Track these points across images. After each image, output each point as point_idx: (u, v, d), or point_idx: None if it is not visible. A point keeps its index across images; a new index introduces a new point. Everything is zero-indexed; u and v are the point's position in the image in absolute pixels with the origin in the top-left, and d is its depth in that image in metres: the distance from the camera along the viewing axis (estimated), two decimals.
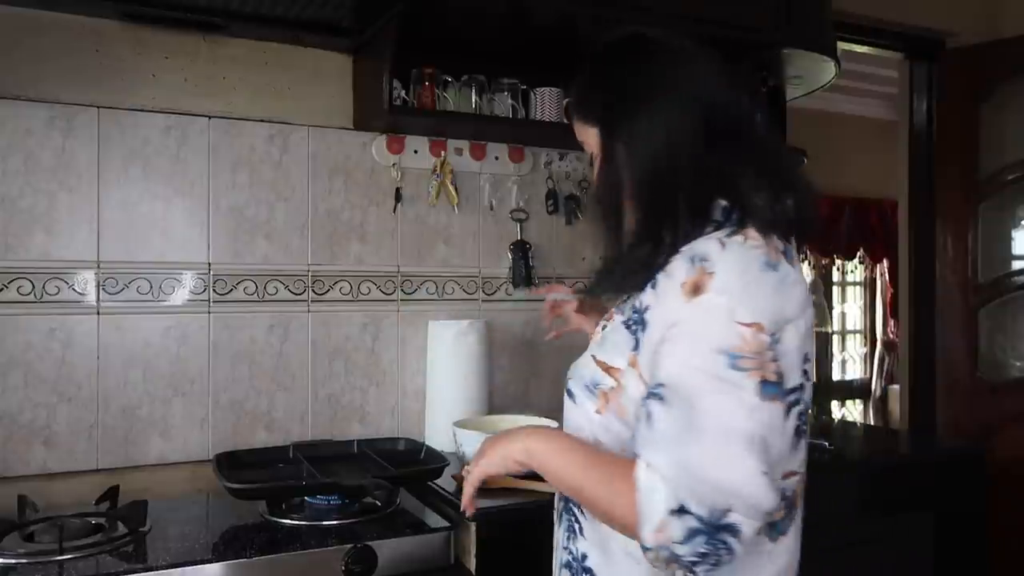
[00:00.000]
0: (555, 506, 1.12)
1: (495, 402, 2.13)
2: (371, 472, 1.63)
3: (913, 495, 2.03)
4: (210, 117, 1.88)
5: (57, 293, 1.73)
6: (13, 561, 1.31)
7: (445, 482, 1.67)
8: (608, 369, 0.98)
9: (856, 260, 5.63)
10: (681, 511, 0.81)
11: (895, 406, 5.21)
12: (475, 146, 2.17)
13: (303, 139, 1.97)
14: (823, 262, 5.43)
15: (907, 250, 3.06)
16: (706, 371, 0.84)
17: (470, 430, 1.77)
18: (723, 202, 0.95)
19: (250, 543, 1.41)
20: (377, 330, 2.06)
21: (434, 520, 1.56)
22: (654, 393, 0.87)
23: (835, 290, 5.79)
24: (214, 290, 1.87)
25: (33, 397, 1.71)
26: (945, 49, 2.98)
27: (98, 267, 1.77)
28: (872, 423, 5.54)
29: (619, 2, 1.86)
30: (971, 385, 2.90)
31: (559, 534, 1.09)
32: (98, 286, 1.76)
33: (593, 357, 1.02)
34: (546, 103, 2.09)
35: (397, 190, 2.06)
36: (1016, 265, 2.93)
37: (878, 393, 5.71)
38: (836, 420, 4.68)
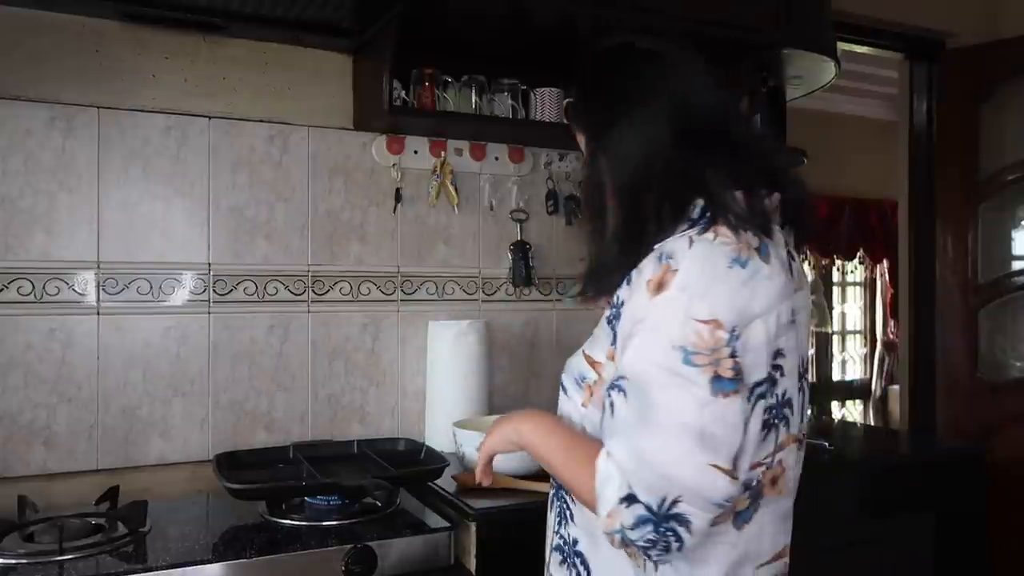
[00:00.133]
0: (549, 492, 1.17)
1: (495, 402, 2.13)
2: (371, 472, 1.63)
3: (913, 495, 2.03)
4: (210, 117, 1.88)
5: (57, 293, 1.73)
6: (13, 561, 1.31)
7: (445, 482, 1.67)
8: (592, 363, 1.04)
9: (856, 260, 5.63)
10: (631, 499, 0.86)
11: (895, 406, 5.21)
12: (475, 146, 2.17)
13: (303, 139, 1.97)
14: (823, 262, 5.43)
15: (907, 250, 3.06)
16: (662, 366, 0.89)
17: (470, 430, 1.77)
18: (700, 201, 0.97)
19: (250, 543, 1.41)
20: (377, 330, 2.06)
21: (434, 520, 1.56)
22: (616, 385, 0.93)
23: (835, 290, 5.79)
24: (214, 290, 1.87)
25: (33, 397, 1.71)
26: (945, 50, 2.98)
27: (98, 267, 1.77)
28: (872, 423, 5.54)
29: (619, 2, 1.86)
30: (971, 385, 2.90)
31: (551, 518, 1.14)
32: (98, 286, 1.76)
33: (583, 351, 1.08)
34: (546, 103, 2.09)
35: (397, 190, 2.06)
36: (1016, 265, 2.93)
37: (878, 393, 5.71)
38: (836, 420, 4.68)
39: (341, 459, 1.79)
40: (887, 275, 5.61)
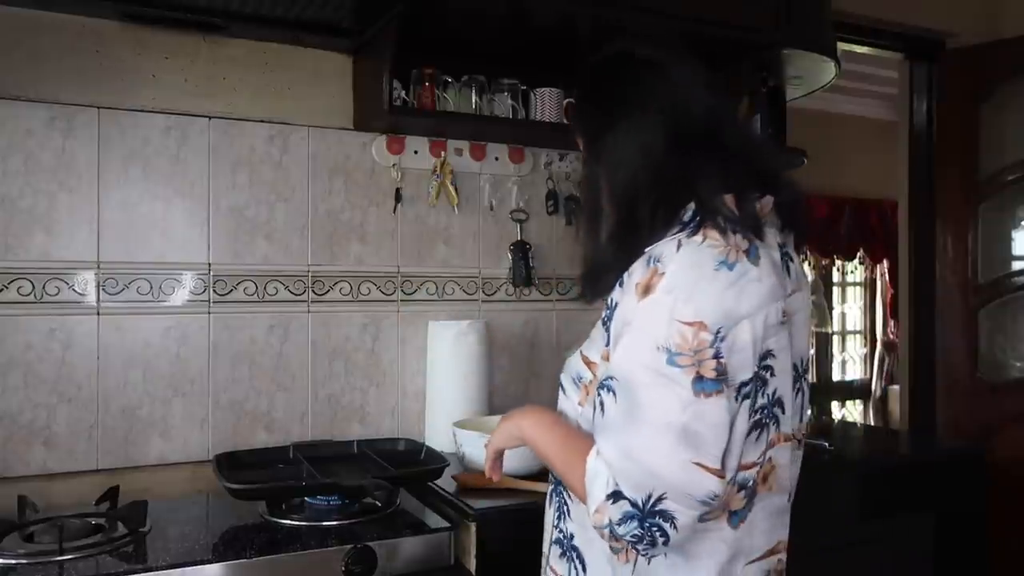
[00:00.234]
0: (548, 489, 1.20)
1: (495, 402, 2.13)
2: (371, 472, 1.63)
3: (913, 495, 2.03)
4: (210, 117, 1.88)
5: (57, 293, 1.73)
6: (13, 561, 1.31)
7: (445, 482, 1.67)
8: (588, 363, 1.08)
9: (856, 260, 5.62)
10: (617, 496, 0.90)
11: (895, 406, 5.21)
12: (475, 146, 2.17)
13: (303, 139, 1.97)
14: (823, 262, 5.43)
15: (907, 250, 3.06)
16: (648, 366, 0.92)
17: (470, 430, 1.77)
18: (692, 205, 1.00)
19: (250, 543, 1.41)
20: (377, 330, 2.06)
21: (434, 520, 1.56)
22: (605, 384, 0.96)
23: (835, 290, 5.78)
24: (214, 290, 1.87)
25: (33, 397, 1.71)
26: (945, 50, 2.98)
27: (98, 267, 1.77)
28: (872, 423, 5.54)
29: (619, 2, 1.86)
30: (971, 385, 2.90)
31: (550, 513, 1.17)
32: (98, 286, 1.76)
33: (580, 352, 1.12)
34: (546, 103, 2.09)
35: (397, 190, 2.06)
36: (1016, 265, 2.93)
37: (878, 393, 5.71)
38: (836, 420, 4.68)
39: (341, 459, 1.79)
40: (887, 275, 5.61)
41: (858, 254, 5.47)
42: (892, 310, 5.51)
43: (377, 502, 1.60)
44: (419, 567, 1.47)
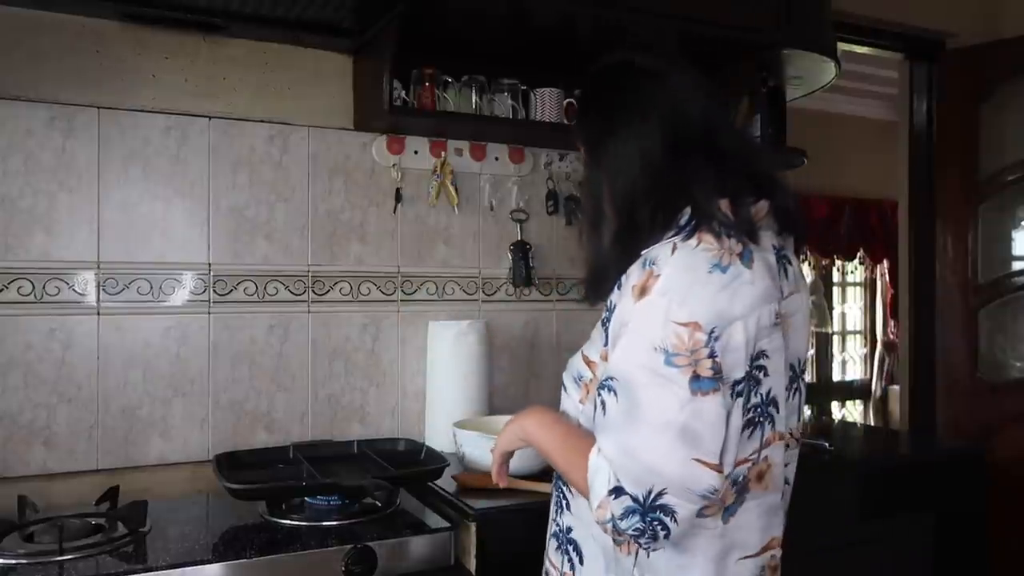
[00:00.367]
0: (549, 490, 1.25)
1: (495, 403, 2.13)
2: (371, 473, 1.63)
3: (913, 495, 2.03)
4: (210, 117, 1.88)
5: (57, 294, 1.73)
6: (13, 561, 1.31)
7: (445, 482, 1.67)
8: (588, 363, 1.11)
9: (856, 261, 5.62)
10: (619, 491, 0.93)
11: (895, 407, 5.21)
12: (475, 147, 2.17)
13: (303, 139, 1.97)
14: (823, 263, 5.43)
15: (907, 251, 3.06)
16: (645, 366, 0.95)
17: (470, 430, 1.77)
18: (688, 209, 1.03)
19: (250, 543, 1.41)
20: (377, 330, 2.06)
21: (434, 521, 1.56)
22: (606, 384, 0.99)
23: (835, 291, 5.78)
24: (214, 290, 1.87)
25: (33, 397, 1.71)
26: (945, 50, 2.98)
27: (98, 267, 1.77)
28: (872, 424, 5.54)
29: (619, 2, 1.86)
30: (971, 385, 2.90)
31: (551, 506, 1.21)
32: (98, 286, 1.76)
33: (581, 352, 1.15)
34: (546, 103, 2.09)
35: (397, 190, 2.06)
36: (1016, 266, 2.93)
37: (878, 394, 5.71)
38: (836, 420, 4.68)
39: (341, 459, 1.79)
40: (887, 275, 5.61)
41: (858, 254, 5.47)
42: (892, 310, 5.51)
43: (377, 502, 1.60)
44: (419, 567, 1.47)
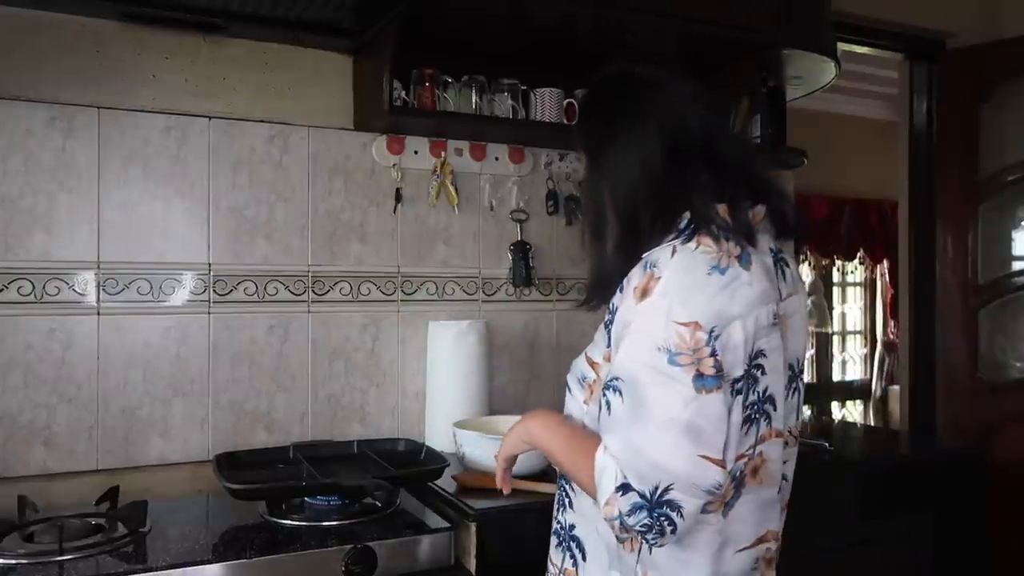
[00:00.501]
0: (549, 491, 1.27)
1: (495, 403, 2.13)
2: (371, 473, 1.63)
3: (913, 495, 2.03)
4: (210, 117, 1.88)
5: (57, 294, 1.73)
6: (13, 561, 1.31)
7: (445, 482, 1.67)
8: (592, 364, 1.13)
9: (856, 261, 5.63)
10: (626, 488, 0.95)
11: (895, 407, 5.21)
12: (475, 147, 2.17)
13: (303, 139, 1.97)
14: (823, 263, 5.43)
15: (907, 251, 3.06)
16: (649, 366, 0.97)
17: (470, 431, 1.77)
18: (687, 214, 1.06)
19: (250, 544, 1.41)
20: (377, 331, 2.06)
21: (434, 521, 1.56)
22: (611, 384, 1.01)
23: (835, 291, 5.78)
24: (214, 290, 1.87)
25: (33, 397, 1.71)
26: (945, 50, 2.98)
27: (98, 268, 1.77)
28: (872, 424, 5.54)
29: (619, 3, 1.86)
30: (971, 385, 2.90)
31: (554, 505, 1.23)
32: (98, 287, 1.76)
33: (585, 354, 1.16)
34: (546, 104, 2.09)
35: (397, 190, 2.06)
36: (1016, 266, 2.93)
37: (878, 394, 5.71)
38: (836, 420, 4.68)
39: (341, 459, 1.79)
40: (887, 275, 5.61)
41: (858, 254, 5.47)
42: (892, 310, 5.51)
43: (377, 502, 1.60)
44: (419, 567, 1.47)
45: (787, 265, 1.12)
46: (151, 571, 1.30)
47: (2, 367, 1.68)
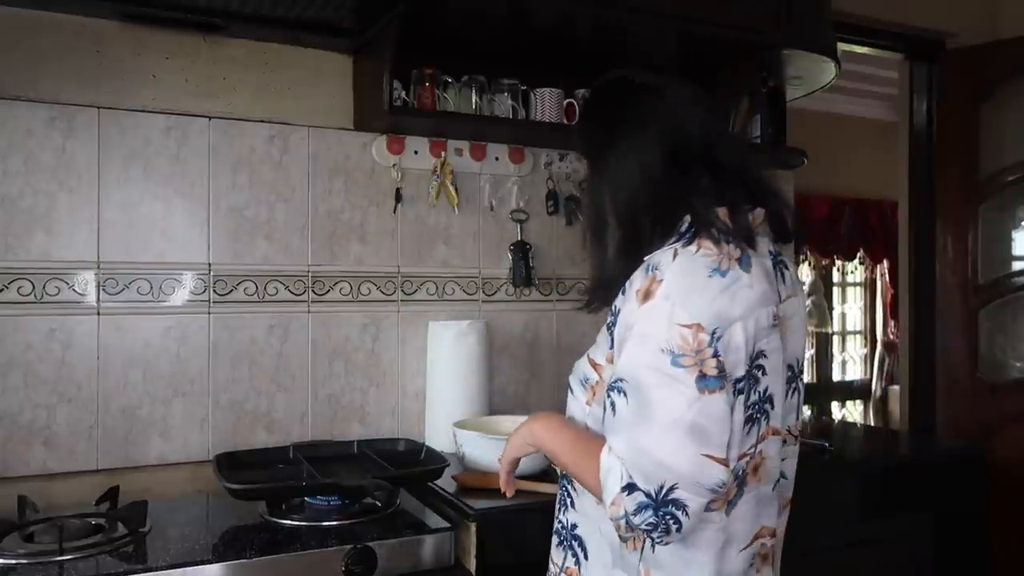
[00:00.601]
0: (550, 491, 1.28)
1: (495, 402, 2.13)
2: (371, 473, 1.63)
3: (913, 495, 2.03)
4: (210, 117, 1.88)
5: (57, 294, 1.73)
6: (13, 561, 1.31)
7: (445, 482, 1.67)
8: (594, 365, 1.14)
9: (856, 261, 5.63)
10: (632, 488, 0.96)
11: (895, 407, 5.21)
12: (475, 147, 2.17)
13: (303, 139, 1.97)
14: (823, 263, 5.43)
15: (907, 251, 3.06)
16: (652, 367, 0.98)
17: (470, 431, 1.77)
18: (688, 218, 1.07)
19: (250, 544, 1.41)
20: (377, 331, 2.06)
21: (434, 521, 1.56)
22: (615, 386, 1.02)
23: (835, 291, 5.78)
24: (214, 290, 1.87)
25: (33, 398, 1.71)
26: (945, 50, 2.98)
27: (98, 268, 1.77)
28: (872, 424, 5.54)
29: (619, 3, 1.86)
30: (971, 385, 2.90)
31: (556, 505, 1.24)
32: (98, 287, 1.76)
33: (587, 355, 1.17)
34: (546, 104, 2.09)
35: (397, 191, 2.06)
36: (1016, 266, 2.93)
37: (878, 394, 5.71)
38: (836, 420, 4.68)
39: (341, 459, 1.79)
40: (887, 275, 5.61)
41: (858, 254, 5.47)
42: (892, 310, 5.51)
43: (377, 502, 1.60)
44: (419, 567, 1.47)
45: (786, 268, 1.14)
46: (151, 571, 1.30)
47: (2, 367, 1.68)
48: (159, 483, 1.79)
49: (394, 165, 2.07)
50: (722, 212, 1.06)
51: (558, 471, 1.30)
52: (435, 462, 1.71)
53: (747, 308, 1.01)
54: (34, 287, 1.71)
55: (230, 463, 1.68)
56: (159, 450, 1.81)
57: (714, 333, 0.97)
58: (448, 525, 1.53)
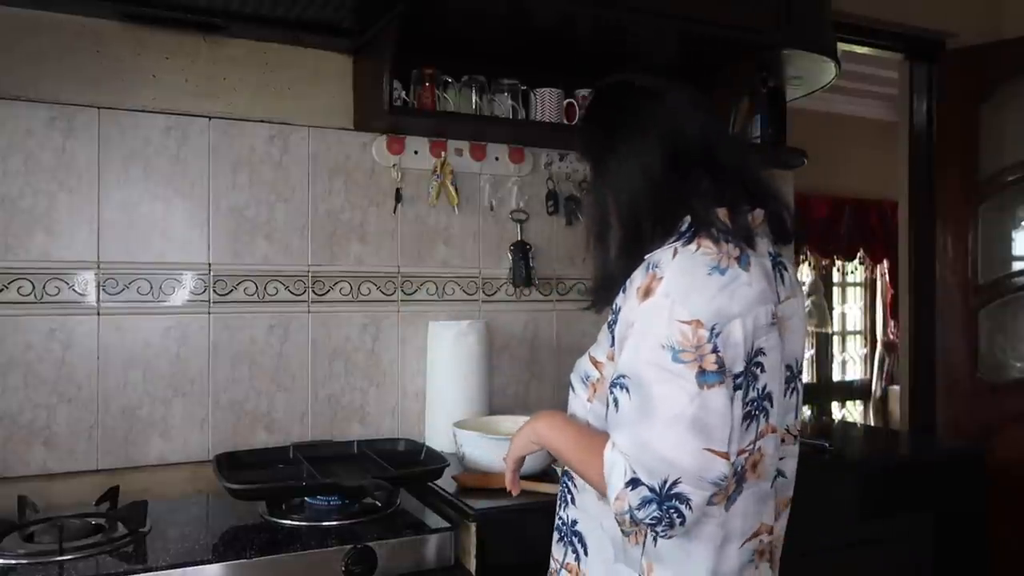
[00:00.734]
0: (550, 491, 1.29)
1: (495, 402, 2.13)
2: (371, 473, 1.63)
3: (913, 495, 2.03)
4: (210, 118, 1.88)
5: (57, 294, 1.73)
6: (13, 562, 1.31)
7: (445, 482, 1.67)
8: (595, 363, 1.15)
9: (856, 261, 5.63)
10: (635, 483, 0.97)
11: (895, 407, 5.21)
12: (475, 147, 2.17)
13: (303, 139, 1.97)
14: (823, 263, 5.43)
15: (907, 251, 3.06)
16: (653, 363, 1.00)
17: (470, 431, 1.77)
18: (688, 218, 1.09)
19: (250, 544, 1.41)
20: (377, 331, 2.06)
21: (434, 521, 1.56)
22: (618, 383, 1.03)
23: (835, 291, 5.78)
24: (214, 290, 1.87)
25: (33, 398, 1.71)
26: (945, 50, 2.98)
27: (98, 268, 1.77)
28: (872, 424, 5.54)
29: (619, 3, 1.86)
30: (971, 385, 2.90)
31: (557, 502, 1.25)
32: (98, 287, 1.76)
33: (588, 353, 1.18)
34: (546, 104, 2.09)
35: (397, 191, 2.06)
36: (1016, 266, 2.93)
37: (878, 394, 5.71)
38: (836, 420, 4.68)
39: (341, 459, 1.79)
40: (887, 275, 5.61)
41: (858, 254, 5.47)
42: (892, 310, 5.51)
43: (377, 502, 1.60)
44: (419, 567, 1.47)
45: (785, 269, 1.15)
46: (151, 571, 1.30)
47: (2, 367, 1.68)
48: (159, 483, 1.79)
49: (394, 165, 2.07)
50: (722, 212, 1.08)
51: (558, 471, 1.30)
52: (435, 462, 1.71)
53: (746, 306, 1.02)
54: (34, 287, 1.71)
55: (230, 463, 1.68)
56: (159, 450, 1.81)
57: (713, 329, 0.99)
58: (448, 525, 1.53)
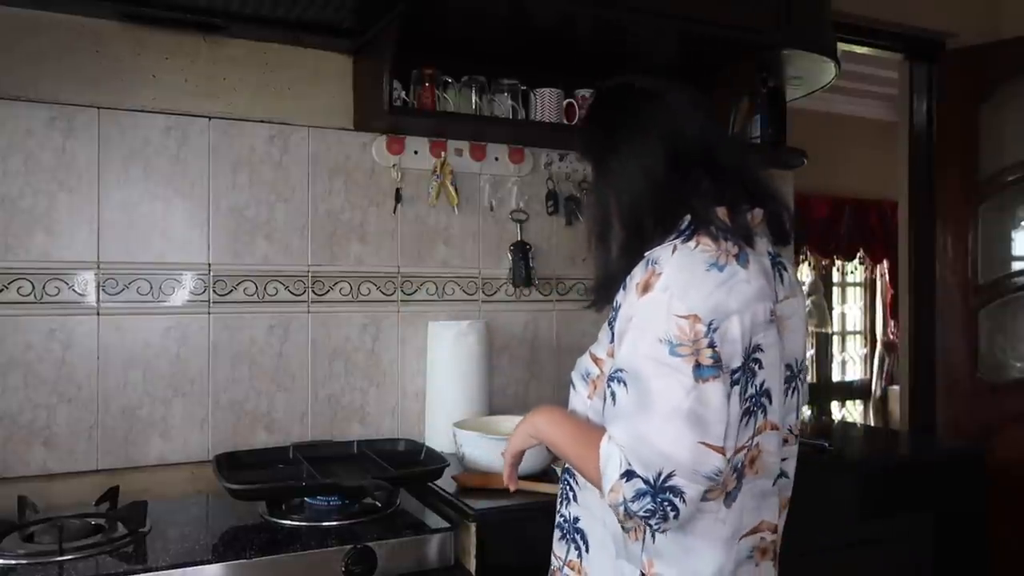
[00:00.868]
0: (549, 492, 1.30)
1: (495, 402, 2.13)
2: (371, 473, 1.63)
3: (913, 495, 2.03)
4: (210, 118, 1.88)
5: (57, 294, 1.73)
6: (13, 562, 1.31)
7: (445, 483, 1.67)
8: (596, 360, 1.16)
9: (856, 261, 5.63)
10: (630, 475, 0.98)
11: (895, 407, 5.21)
12: (475, 147, 2.17)
13: (303, 140, 1.97)
14: (823, 263, 5.43)
15: (907, 251, 3.06)
16: (651, 357, 1.01)
17: (470, 431, 1.77)
18: (688, 216, 1.10)
19: (250, 544, 1.41)
20: (377, 331, 2.06)
21: (434, 521, 1.56)
22: (616, 376, 1.04)
23: (835, 291, 5.79)
24: (214, 291, 1.87)
25: (33, 398, 1.71)
26: (945, 50, 2.98)
27: (98, 268, 1.77)
28: (872, 424, 5.54)
29: (619, 3, 1.86)
30: (971, 385, 2.90)
31: (558, 500, 1.26)
32: (98, 287, 1.76)
33: (589, 351, 1.19)
34: (546, 104, 2.09)
35: (397, 191, 2.06)
36: (1016, 266, 2.93)
37: (878, 394, 5.71)
38: (836, 420, 4.68)
39: (341, 459, 1.79)
40: (887, 275, 5.61)
41: (858, 254, 5.48)
42: (892, 310, 5.51)
43: (377, 502, 1.60)
44: (419, 567, 1.47)
45: (785, 269, 1.16)
46: (151, 571, 1.30)
47: (2, 367, 1.68)
48: (159, 483, 1.79)
49: (394, 165, 2.07)
50: (721, 212, 1.09)
51: (558, 471, 1.31)
52: (435, 462, 1.71)
53: (744, 302, 1.03)
54: (34, 287, 1.71)
55: (230, 463, 1.68)
56: (159, 450, 1.81)
57: (710, 324, 1.00)
58: (448, 525, 1.53)
